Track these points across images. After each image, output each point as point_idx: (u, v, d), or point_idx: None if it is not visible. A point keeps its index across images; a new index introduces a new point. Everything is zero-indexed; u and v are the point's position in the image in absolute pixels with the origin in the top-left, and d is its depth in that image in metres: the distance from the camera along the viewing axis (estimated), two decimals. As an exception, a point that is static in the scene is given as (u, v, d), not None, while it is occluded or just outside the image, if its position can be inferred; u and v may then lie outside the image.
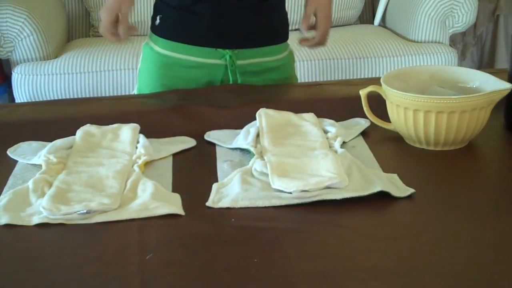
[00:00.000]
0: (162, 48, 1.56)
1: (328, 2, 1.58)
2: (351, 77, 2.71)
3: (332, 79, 2.69)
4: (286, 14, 1.64)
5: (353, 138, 1.26)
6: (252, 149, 1.17)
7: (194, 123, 1.32)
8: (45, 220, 0.99)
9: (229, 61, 1.54)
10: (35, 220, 0.99)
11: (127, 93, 2.66)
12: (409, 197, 1.04)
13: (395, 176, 1.09)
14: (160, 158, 1.20)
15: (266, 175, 1.08)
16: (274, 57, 1.60)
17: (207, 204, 1.03)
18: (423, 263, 0.88)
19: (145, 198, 1.04)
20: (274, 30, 1.61)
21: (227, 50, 1.53)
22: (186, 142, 1.26)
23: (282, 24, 1.63)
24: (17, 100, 2.68)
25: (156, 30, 1.57)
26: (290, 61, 1.67)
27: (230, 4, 1.52)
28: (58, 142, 1.21)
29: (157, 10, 1.58)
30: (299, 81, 2.66)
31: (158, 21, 1.57)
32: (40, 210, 1.01)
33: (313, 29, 1.57)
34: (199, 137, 1.27)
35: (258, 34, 1.57)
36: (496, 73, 1.26)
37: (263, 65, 1.58)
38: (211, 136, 1.28)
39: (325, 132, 1.25)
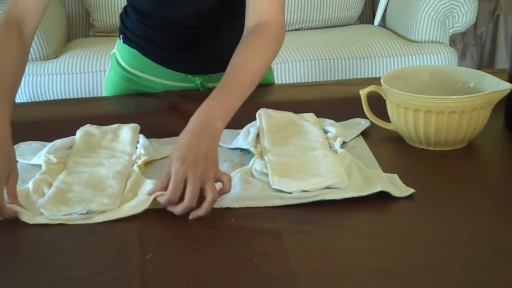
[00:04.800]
0: (129, 66, 1.49)
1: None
2: (351, 77, 2.71)
3: (332, 79, 2.69)
4: None
5: (353, 138, 1.26)
6: (252, 149, 1.17)
7: (194, 123, 1.32)
8: (45, 221, 0.99)
9: (200, 85, 1.48)
10: (35, 220, 0.99)
11: (127, 93, 2.66)
12: (409, 197, 1.04)
13: (395, 176, 1.09)
14: (160, 158, 1.20)
15: (266, 175, 1.08)
16: None
17: (207, 204, 1.03)
18: (423, 263, 0.88)
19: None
20: None
21: (197, 77, 1.47)
22: (186, 142, 1.25)
23: None
24: (17, 100, 2.67)
25: (123, 39, 1.50)
26: (267, 73, 1.54)
27: (194, 32, 1.42)
28: (58, 142, 1.21)
29: (121, 28, 1.51)
30: (299, 81, 2.68)
31: (121, 39, 1.51)
32: (40, 211, 1.01)
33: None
34: (199, 137, 1.27)
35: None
36: (496, 73, 1.26)
37: None
38: (211, 136, 1.27)
39: (325, 132, 1.25)
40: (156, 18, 1.42)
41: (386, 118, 1.27)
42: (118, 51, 1.52)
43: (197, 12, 1.38)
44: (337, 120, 1.30)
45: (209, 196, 1.00)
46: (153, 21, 1.43)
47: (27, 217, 1.00)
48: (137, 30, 1.47)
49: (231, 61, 1.18)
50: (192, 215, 1.00)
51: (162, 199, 1.01)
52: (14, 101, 1.14)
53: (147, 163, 1.17)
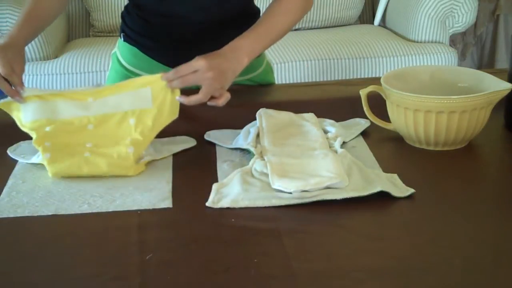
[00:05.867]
0: (130, 65, 1.49)
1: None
2: (351, 77, 2.71)
3: (332, 79, 2.69)
4: None
5: (353, 138, 1.26)
6: (252, 149, 1.18)
7: (194, 123, 1.32)
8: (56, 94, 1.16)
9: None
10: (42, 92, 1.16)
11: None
12: (409, 197, 1.04)
13: (395, 176, 1.09)
14: (160, 158, 1.20)
15: (266, 175, 1.08)
16: (248, 76, 1.50)
17: (207, 204, 1.03)
18: (423, 263, 0.88)
19: None
20: None
21: None
22: (186, 142, 1.26)
23: None
24: (17, 100, 2.68)
25: (124, 37, 1.50)
26: (267, 73, 1.57)
27: (196, 28, 1.42)
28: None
29: (121, 27, 1.52)
30: (299, 81, 2.68)
31: (122, 38, 1.51)
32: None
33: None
34: (199, 137, 1.27)
35: None
36: (496, 73, 1.26)
37: (236, 84, 1.46)
38: (211, 136, 1.28)
39: (325, 132, 1.25)
40: (158, 14, 1.43)
41: (386, 118, 1.27)
42: (119, 50, 1.52)
43: (199, 8, 1.39)
44: (337, 120, 1.30)
45: (201, 95, 1.18)
46: (155, 17, 1.44)
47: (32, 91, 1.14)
48: (138, 27, 1.47)
49: (264, 13, 1.33)
50: (178, 98, 1.18)
51: (167, 74, 1.16)
52: (36, 35, 1.34)
53: (148, 163, 1.17)
